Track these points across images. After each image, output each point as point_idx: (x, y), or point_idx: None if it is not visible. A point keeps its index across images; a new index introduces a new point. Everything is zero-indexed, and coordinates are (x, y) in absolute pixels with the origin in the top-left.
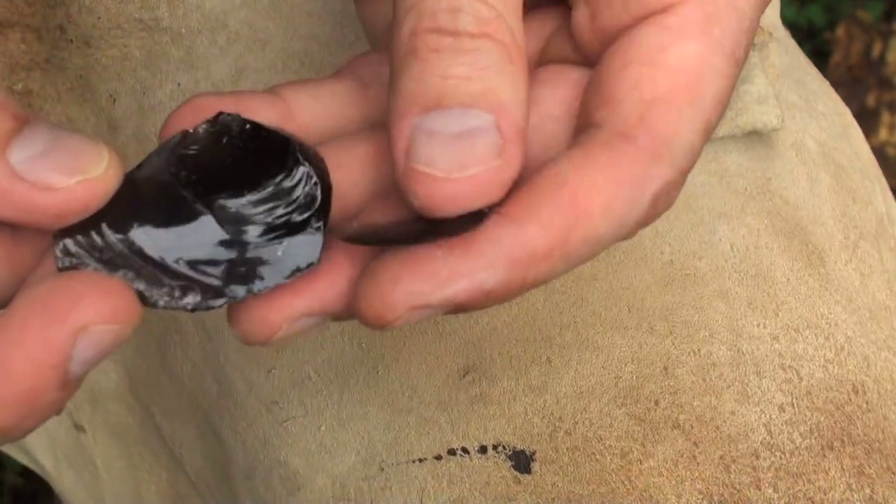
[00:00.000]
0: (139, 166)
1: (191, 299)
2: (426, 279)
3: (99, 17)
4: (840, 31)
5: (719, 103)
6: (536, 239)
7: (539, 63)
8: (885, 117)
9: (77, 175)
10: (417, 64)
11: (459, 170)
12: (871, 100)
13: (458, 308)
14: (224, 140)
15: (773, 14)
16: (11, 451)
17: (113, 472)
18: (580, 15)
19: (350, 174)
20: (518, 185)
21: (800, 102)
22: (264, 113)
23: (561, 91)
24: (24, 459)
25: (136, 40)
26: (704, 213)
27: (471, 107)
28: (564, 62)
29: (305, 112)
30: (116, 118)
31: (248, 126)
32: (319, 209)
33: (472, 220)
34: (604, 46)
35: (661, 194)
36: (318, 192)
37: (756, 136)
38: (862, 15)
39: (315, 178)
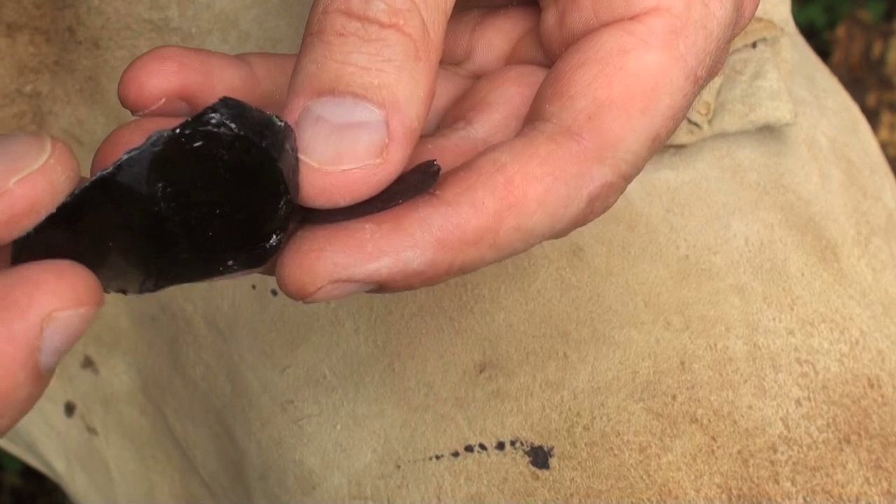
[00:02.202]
0: (118, 169)
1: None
2: (351, 252)
3: (108, 19)
4: (840, 31)
5: (672, 118)
6: (467, 221)
7: (508, 62)
8: (886, 117)
9: (14, 175)
10: (320, 46)
11: (333, 163)
12: (871, 100)
13: (381, 286)
14: (212, 164)
15: (784, 10)
16: (23, 454)
17: (126, 474)
18: (549, 17)
19: None
20: (456, 168)
21: (810, 98)
22: (229, 73)
23: (527, 91)
24: (35, 463)
25: (145, 41)
26: (719, 208)
27: (363, 99)
28: (533, 63)
29: (268, 81)
30: (126, 119)
31: (237, 143)
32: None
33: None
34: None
35: (599, 196)
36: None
37: (768, 132)
38: (862, 15)
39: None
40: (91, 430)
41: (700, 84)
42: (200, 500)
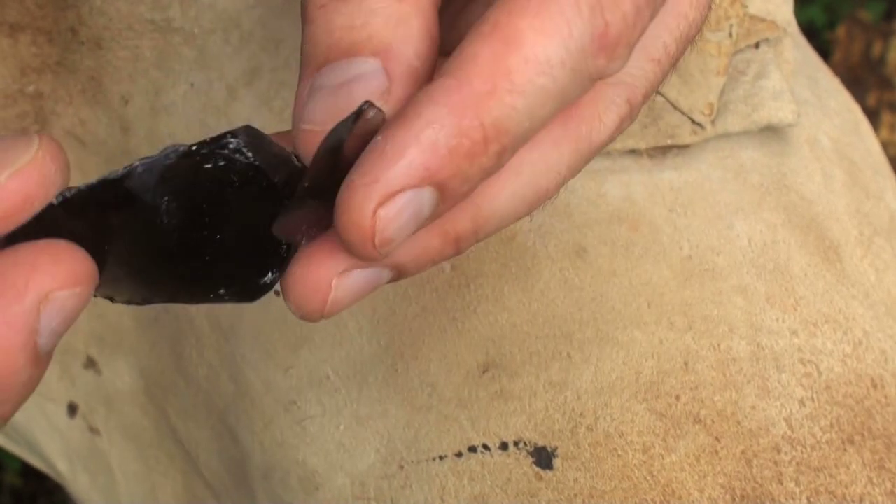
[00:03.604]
0: (128, 174)
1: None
2: (370, 181)
3: (110, 19)
4: (840, 31)
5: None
6: (474, 72)
7: None
8: (886, 117)
9: (5, 171)
10: (309, 25)
11: (333, 119)
12: (871, 100)
13: (401, 263)
14: (221, 189)
15: (787, 10)
16: (26, 454)
17: (128, 475)
18: None
19: None
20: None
21: (812, 99)
22: None
23: None
24: (38, 463)
25: (148, 41)
26: (722, 209)
27: (356, 55)
28: None
29: None
30: (129, 119)
31: (250, 173)
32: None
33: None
34: None
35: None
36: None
37: (771, 132)
38: (862, 15)
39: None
40: (93, 431)
41: None
42: (203, 501)
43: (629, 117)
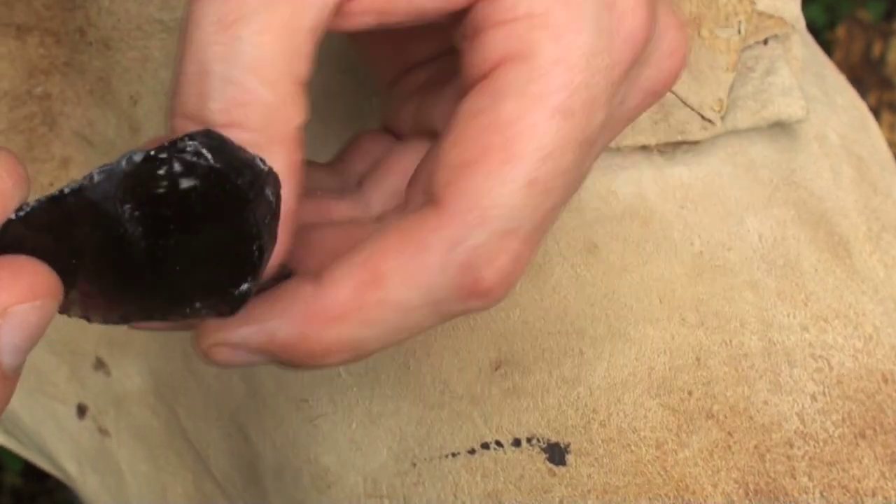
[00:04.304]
0: (86, 184)
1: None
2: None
3: (119, 19)
4: (840, 31)
5: (547, 157)
6: (329, 296)
7: None
8: (886, 117)
9: None
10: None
11: None
12: (871, 100)
13: (274, 357)
14: (182, 195)
15: (794, 7)
16: (34, 456)
17: (138, 476)
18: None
19: None
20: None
21: (820, 95)
22: None
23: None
24: (47, 465)
25: (156, 41)
26: (732, 205)
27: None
28: None
29: None
30: (138, 120)
31: (211, 176)
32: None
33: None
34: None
35: (479, 259)
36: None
37: (779, 128)
38: (862, 15)
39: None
40: (103, 432)
41: (587, 113)
42: (213, 501)
43: None
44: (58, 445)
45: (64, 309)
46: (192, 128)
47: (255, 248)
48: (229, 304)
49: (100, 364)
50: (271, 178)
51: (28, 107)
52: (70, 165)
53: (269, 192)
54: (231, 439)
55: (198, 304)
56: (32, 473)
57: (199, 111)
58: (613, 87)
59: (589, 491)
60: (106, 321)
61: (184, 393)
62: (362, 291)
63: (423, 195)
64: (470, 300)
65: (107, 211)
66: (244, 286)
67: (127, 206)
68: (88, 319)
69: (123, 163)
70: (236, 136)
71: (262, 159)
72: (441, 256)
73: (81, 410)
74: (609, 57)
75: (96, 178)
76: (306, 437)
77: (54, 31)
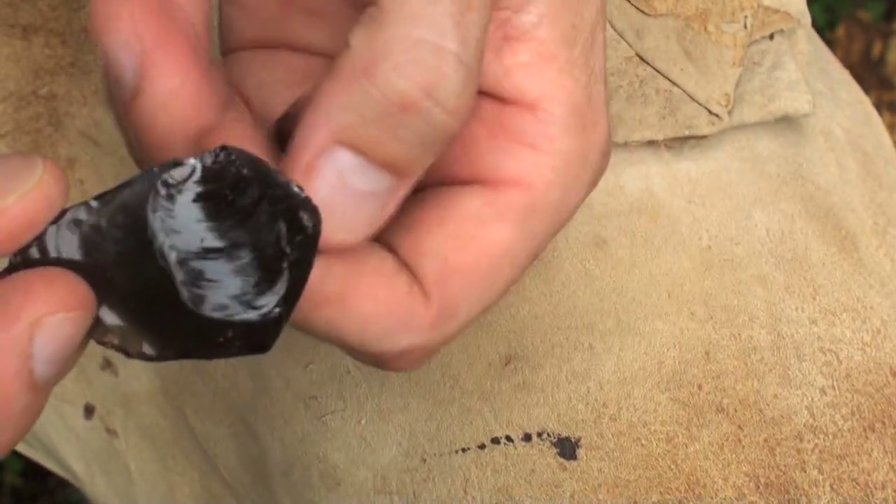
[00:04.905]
0: (119, 188)
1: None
2: None
3: None
4: (840, 31)
5: (503, 290)
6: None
7: None
8: (886, 117)
9: (11, 194)
10: (372, 103)
11: (349, 232)
12: (871, 100)
13: None
14: (215, 205)
15: (800, 1)
16: (42, 457)
17: (146, 476)
18: None
19: None
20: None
21: (825, 90)
22: None
23: None
24: (53, 466)
25: None
26: (740, 199)
27: (387, 169)
28: None
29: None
30: None
31: (248, 188)
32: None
33: None
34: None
35: (414, 353)
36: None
37: (786, 123)
38: (862, 15)
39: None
40: (111, 432)
41: (539, 251)
42: (221, 500)
43: None
44: (65, 446)
45: (99, 337)
46: None
47: (284, 265)
48: (260, 334)
49: (107, 364)
50: (307, 203)
51: (34, 107)
52: (76, 166)
53: (303, 215)
54: (239, 438)
55: (230, 333)
56: (32, 473)
57: (434, 91)
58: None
59: (600, 485)
60: (142, 355)
61: (191, 392)
62: (314, 309)
63: (401, 255)
64: (375, 364)
65: (140, 216)
66: (273, 310)
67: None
68: (127, 353)
69: (158, 170)
70: (451, 124)
71: (298, 186)
72: (399, 335)
73: (89, 411)
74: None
75: (133, 181)
76: (315, 435)
77: (60, 31)
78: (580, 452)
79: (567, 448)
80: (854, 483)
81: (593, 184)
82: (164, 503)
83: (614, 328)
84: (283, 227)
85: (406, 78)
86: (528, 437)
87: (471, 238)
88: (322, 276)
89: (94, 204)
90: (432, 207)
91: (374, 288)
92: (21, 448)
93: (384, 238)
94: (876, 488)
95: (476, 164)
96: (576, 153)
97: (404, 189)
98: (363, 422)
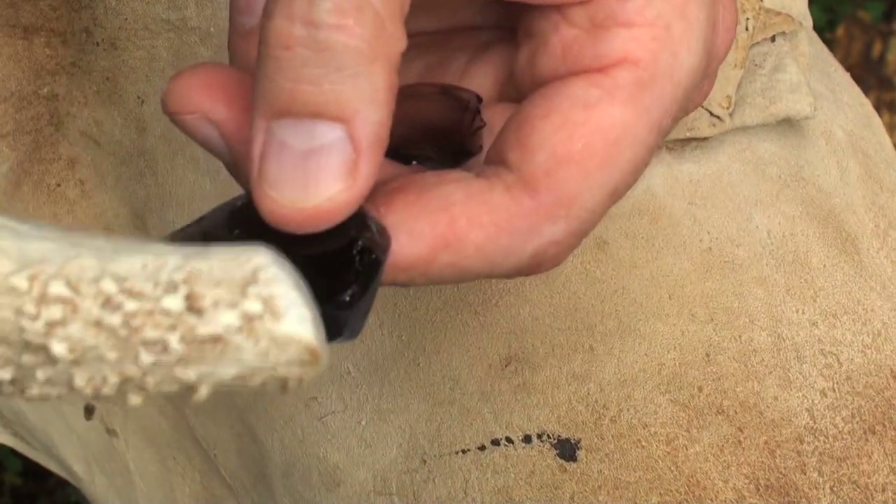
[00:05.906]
0: (199, 221)
1: None
2: None
3: (125, 19)
4: (840, 31)
5: (632, 172)
6: (402, 248)
7: (498, 101)
8: (886, 117)
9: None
10: (270, 61)
11: (304, 199)
12: (871, 100)
13: None
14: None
15: (801, 4)
16: (42, 458)
17: (146, 476)
18: (522, 58)
19: None
20: (409, 186)
21: (826, 92)
22: None
23: None
24: (54, 466)
25: (163, 41)
26: (741, 201)
27: (321, 118)
28: (515, 101)
29: None
30: (145, 119)
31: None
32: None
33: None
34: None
35: (547, 252)
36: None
37: (787, 125)
38: (862, 15)
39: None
40: (111, 432)
41: (665, 133)
42: (222, 500)
43: None
44: (66, 446)
45: None
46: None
47: (356, 251)
48: (334, 320)
49: None
50: (381, 230)
51: (35, 107)
52: (77, 166)
53: (373, 225)
54: (239, 438)
55: None
56: (32, 473)
57: (308, 12)
58: (688, 107)
59: (600, 487)
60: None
61: None
62: (437, 252)
63: (509, 162)
64: (518, 275)
65: (216, 238)
66: (346, 294)
67: (236, 232)
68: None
69: (233, 200)
70: (343, 41)
71: (374, 216)
72: (519, 243)
73: (89, 411)
74: (705, 75)
75: (210, 214)
76: (315, 435)
77: (61, 31)
78: (580, 454)
79: (567, 449)
80: (854, 485)
81: (706, 39)
82: (164, 503)
83: (615, 330)
84: (356, 251)
85: (278, 17)
86: (528, 439)
87: (580, 124)
88: (420, 231)
89: None
90: (536, 105)
91: (473, 217)
92: (21, 448)
93: (498, 153)
94: (876, 491)
95: (578, 65)
96: (673, 14)
97: (365, 132)
98: (363, 423)
